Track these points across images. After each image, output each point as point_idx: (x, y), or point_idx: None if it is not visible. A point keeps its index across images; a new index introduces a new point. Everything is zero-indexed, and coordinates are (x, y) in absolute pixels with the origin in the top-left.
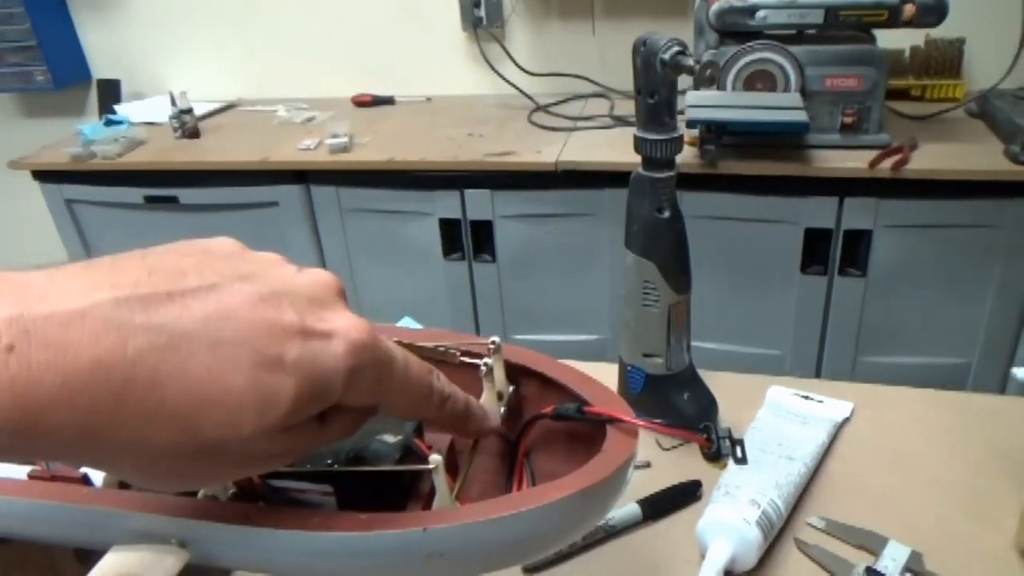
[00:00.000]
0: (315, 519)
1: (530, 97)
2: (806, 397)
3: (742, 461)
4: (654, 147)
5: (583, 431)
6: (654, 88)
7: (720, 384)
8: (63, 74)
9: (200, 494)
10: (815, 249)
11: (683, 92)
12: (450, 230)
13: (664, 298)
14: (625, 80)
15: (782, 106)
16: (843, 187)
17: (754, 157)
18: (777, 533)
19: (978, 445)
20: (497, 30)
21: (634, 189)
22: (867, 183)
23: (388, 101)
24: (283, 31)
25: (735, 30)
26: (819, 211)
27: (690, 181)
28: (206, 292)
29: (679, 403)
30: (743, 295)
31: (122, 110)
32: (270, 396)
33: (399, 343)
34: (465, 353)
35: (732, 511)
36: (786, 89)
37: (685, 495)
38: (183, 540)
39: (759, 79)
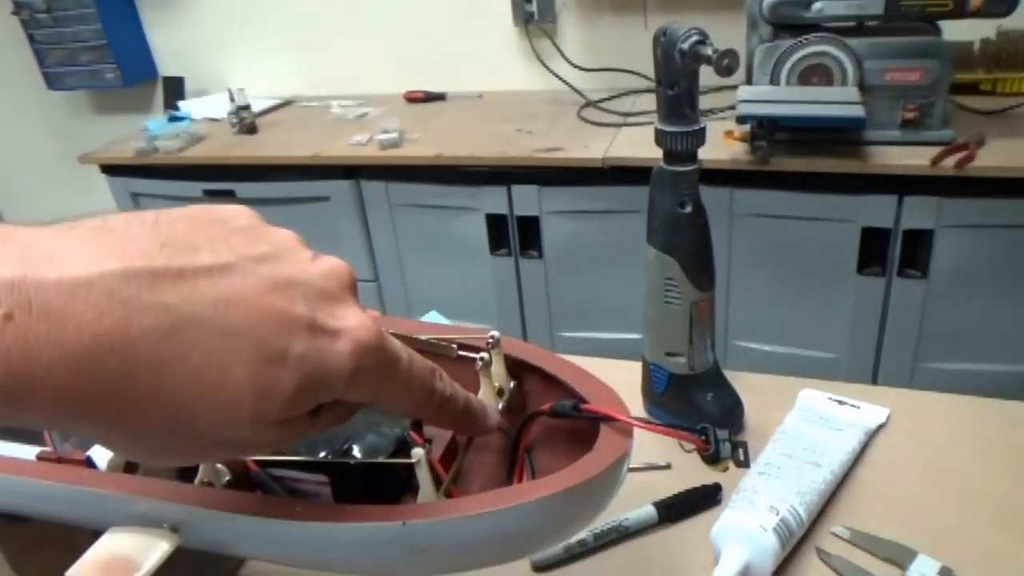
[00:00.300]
0: (298, 508)
1: (580, 93)
2: (840, 402)
3: (744, 464)
4: (675, 140)
5: (584, 429)
6: (674, 79)
7: (750, 385)
8: (131, 72)
9: (197, 480)
10: (873, 249)
11: (735, 87)
12: (497, 226)
13: (686, 295)
14: None
15: (838, 101)
16: (903, 185)
17: (809, 153)
18: (798, 542)
19: (1022, 457)
20: (548, 25)
21: (656, 183)
22: (929, 181)
23: (440, 97)
24: (340, 29)
25: (790, 23)
26: (877, 210)
27: (741, 178)
28: (219, 273)
29: (702, 404)
30: (797, 296)
31: (185, 106)
32: (269, 391)
33: (399, 336)
34: (463, 347)
35: (749, 517)
36: (843, 83)
37: (703, 499)
38: (175, 524)
39: (815, 73)
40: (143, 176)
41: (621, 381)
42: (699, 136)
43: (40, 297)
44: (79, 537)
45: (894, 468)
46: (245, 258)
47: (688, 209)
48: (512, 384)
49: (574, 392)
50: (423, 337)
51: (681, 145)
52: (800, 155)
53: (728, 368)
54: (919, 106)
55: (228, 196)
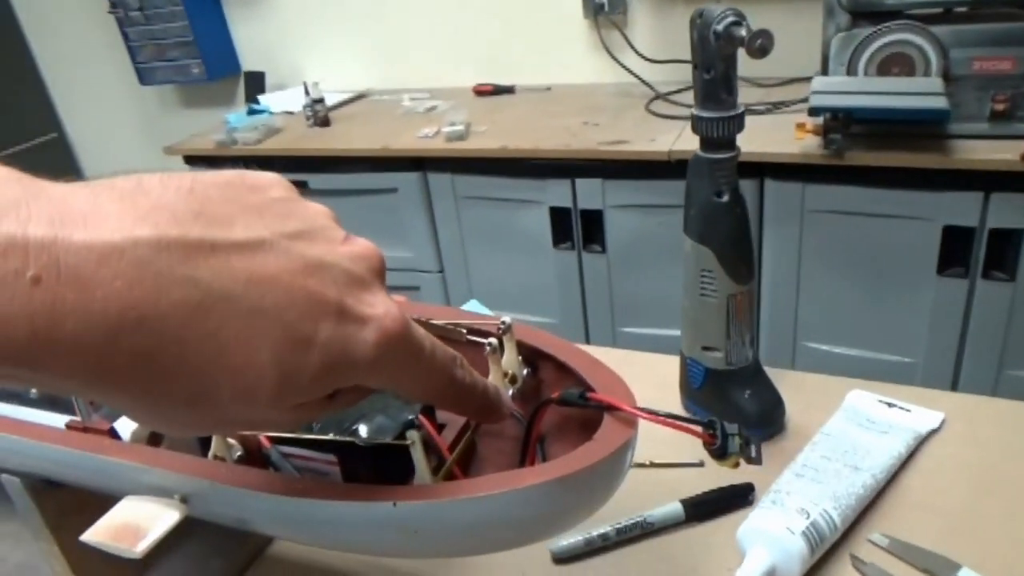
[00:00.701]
0: (296, 485)
1: (649, 85)
2: (889, 404)
3: (755, 461)
4: (711, 126)
5: (596, 418)
6: (710, 62)
7: (796, 384)
8: (215, 67)
9: (210, 454)
10: (954, 249)
11: (809, 79)
12: (560, 219)
13: (723, 288)
14: (751, 67)
15: (919, 92)
16: (990, 181)
17: (887, 148)
18: (832, 548)
19: None
20: (619, 17)
21: (693, 171)
22: (1019, 177)
23: (508, 90)
24: (412, 23)
25: (870, 10)
26: (960, 207)
27: (814, 173)
28: (252, 250)
29: (740, 401)
30: (871, 297)
31: (264, 100)
32: (292, 375)
33: (421, 322)
34: (473, 332)
35: (776, 519)
36: (926, 74)
37: (734, 499)
38: (185, 496)
39: (895, 63)
40: (223, 167)
41: (661, 375)
42: (736, 122)
43: (69, 262)
44: (114, 504)
45: (943, 476)
46: (279, 235)
47: (725, 198)
48: (526, 371)
49: (582, 380)
50: (435, 322)
51: (718, 131)
52: (877, 149)
53: (797, 369)
54: (1010, 97)
55: (301, 187)
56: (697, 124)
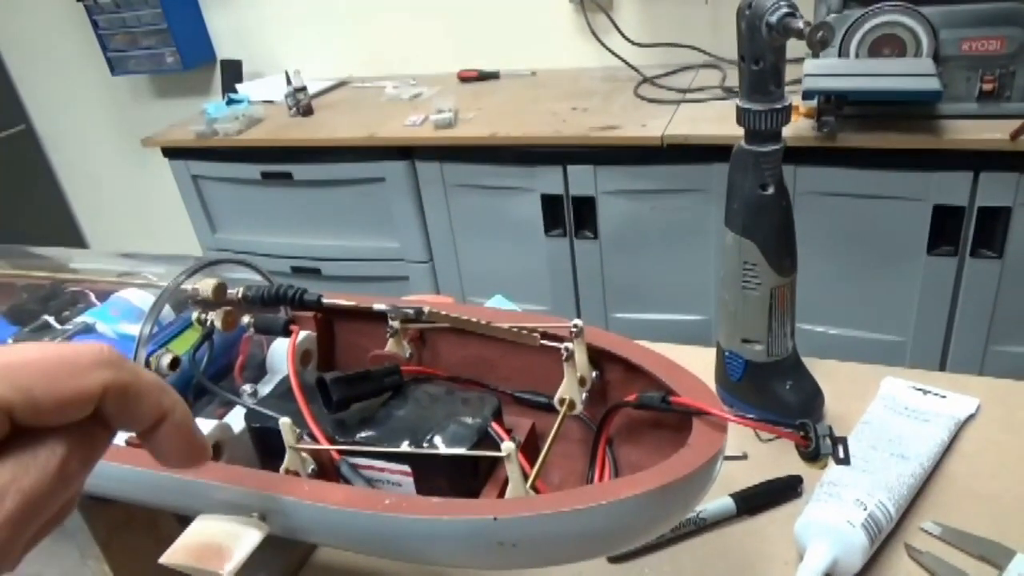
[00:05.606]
0: (387, 501)
1: (636, 69)
2: (925, 391)
3: (844, 462)
4: (758, 118)
5: (668, 420)
6: (759, 54)
7: (828, 373)
8: (190, 56)
9: (282, 469)
10: (944, 228)
11: (800, 60)
12: (552, 206)
13: (766, 281)
14: (734, 48)
15: (910, 73)
16: (979, 161)
17: (878, 129)
18: (885, 537)
19: None
20: (605, 0)
21: (736, 164)
22: (1007, 156)
23: (493, 76)
24: (393, 8)
25: None
26: (950, 187)
27: (806, 155)
28: None
29: (781, 393)
30: (862, 276)
31: (243, 89)
32: None
33: (471, 324)
34: (545, 336)
35: (835, 512)
36: (917, 55)
37: (783, 491)
38: (264, 513)
39: (886, 44)
40: (203, 159)
41: (691, 367)
42: (784, 114)
43: None
44: (162, 519)
45: (986, 461)
46: None
47: (770, 191)
48: (594, 374)
49: (661, 383)
50: (504, 326)
51: (765, 124)
52: (869, 131)
53: None
54: (998, 77)
55: (286, 178)
56: (743, 116)
